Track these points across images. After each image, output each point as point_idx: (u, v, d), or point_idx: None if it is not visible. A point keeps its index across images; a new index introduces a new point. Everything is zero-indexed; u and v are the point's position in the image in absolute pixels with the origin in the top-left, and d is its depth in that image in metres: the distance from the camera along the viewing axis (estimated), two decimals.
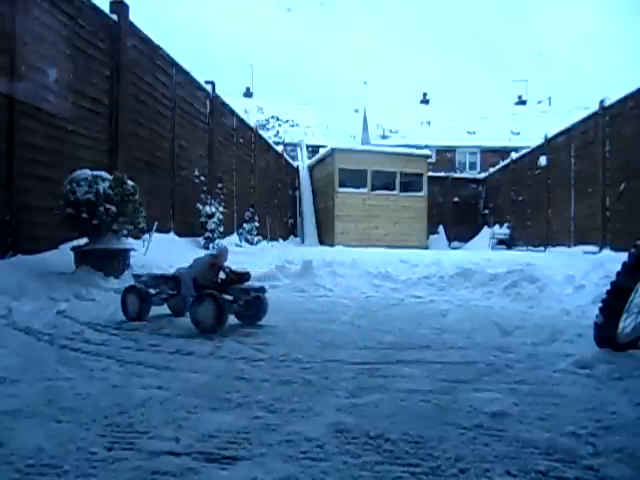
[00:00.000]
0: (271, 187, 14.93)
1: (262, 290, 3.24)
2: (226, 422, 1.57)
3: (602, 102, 10.20)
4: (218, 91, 9.87)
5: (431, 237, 17.83)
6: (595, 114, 10.51)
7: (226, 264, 3.25)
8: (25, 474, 1.23)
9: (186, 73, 8.50)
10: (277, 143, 19.43)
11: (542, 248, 12.71)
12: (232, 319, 3.16)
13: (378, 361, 2.39)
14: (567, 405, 1.80)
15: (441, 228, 18.78)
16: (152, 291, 3.29)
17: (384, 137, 25.32)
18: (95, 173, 4.63)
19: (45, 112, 5.02)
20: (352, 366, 2.29)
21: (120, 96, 6.32)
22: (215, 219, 8.49)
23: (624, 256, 2.48)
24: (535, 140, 14.77)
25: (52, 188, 4.80)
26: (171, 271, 3.64)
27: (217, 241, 8.56)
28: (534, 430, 1.55)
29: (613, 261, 3.49)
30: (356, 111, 35.19)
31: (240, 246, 10.28)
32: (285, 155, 17.37)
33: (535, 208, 13.89)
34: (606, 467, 1.31)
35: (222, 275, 3.17)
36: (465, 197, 19.29)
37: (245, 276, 3.23)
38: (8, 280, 3.74)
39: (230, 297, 3.01)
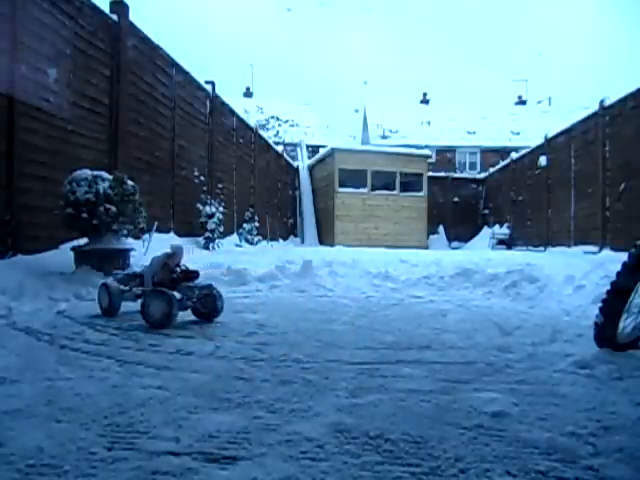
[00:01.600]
0: (271, 187, 14.93)
1: (210, 287, 3.33)
2: (226, 422, 1.57)
3: (602, 102, 10.19)
4: (218, 91, 9.87)
5: (431, 237, 17.83)
6: (595, 114, 10.50)
7: (182, 262, 3.37)
8: (25, 474, 1.23)
9: (186, 73, 8.50)
10: (277, 143, 19.43)
11: (542, 248, 12.71)
12: (188, 315, 3.32)
13: (378, 361, 2.39)
14: (567, 405, 1.80)
15: (441, 228, 18.78)
16: (124, 287, 3.41)
17: (384, 137, 25.32)
18: (95, 173, 4.63)
19: (45, 112, 5.02)
20: (352, 366, 2.29)
21: (120, 96, 6.32)
22: (215, 219, 8.49)
23: (624, 256, 2.48)
24: (535, 140, 14.77)
25: (52, 188, 4.80)
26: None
27: (217, 241, 8.57)
28: (534, 430, 1.55)
29: (613, 261, 3.50)
30: (356, 111, 35.24)
31: (240, 246, 10.28)
32: (285, 155, 17.37)
33: (535, 208, 13.89)
34: (606, 467, 1.31)
35: (175, 274, 3.29)
36: (465, 197, 19.29)
37: (193, 274, 3.33)
38: (8, 280, 3.74)
39: (178, 295, 3.12)
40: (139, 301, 3.24)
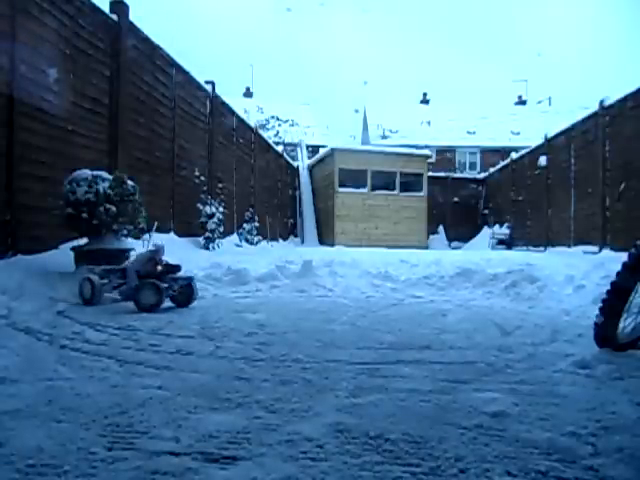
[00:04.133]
0: (271, 187, 14.92)
1: (190, 279, 4.04)
2: (226, 422, 1.57)
3: (602, 102, 10.19)
4: (218, 91, 9.87)
5: (431, 237, 17.83)
6: (595, 114, 10.50)
7: (164, 258, 3.98)
8: (25, 474, 1.23)
9: (186, 73, 8.50)
10: (277, 143, 19.43)
11: (542, 248, 12.71)
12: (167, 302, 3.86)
13: (378, 361, 2.39)
14: (567, 405, 1.80)
15: (441, 228, 18.78)
16: (103, 281, 3.90)
17: (384, 137, 25.33)
18: (95, 173, 4.63)
19: (45, 112, 5.01)
20: (352, 366, 2.29)
21: (120, 96, 6.32)
22: (215, 219, 8.48)
23: (624, 256, 2.48)
24: (535, 140, 14.76)
25: (52, 188, 4.79)
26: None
27: (217, 241, 8.56)
28: (534, 430, 1.55)
29: (613, 261, 3.49)
30: (356, 111, 35.24)
31: (240, 246, 10.28)
32: (285, 155, 17.37)
33: (535, 208, 13.89)
34: (606, 467, 1.31)
35: (159, 267, 3.88)
36: (465, 197, 19.29)
37: (176, 268, 4.00)
38: (8, 280, 3.74)
39: (165, 285, 3.77)
40: (115, 292, 3.92)
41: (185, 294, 4.00)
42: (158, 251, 3.96)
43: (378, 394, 1.88)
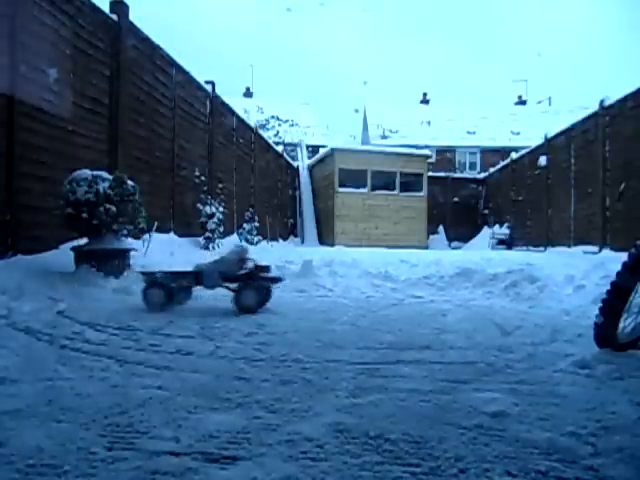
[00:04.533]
0: (271, 187, 14.92)
1: (279, 278, 4.08)
2: (226, 422, 1.57)
3: (602, 102, 10.19)
4: (218, 91, 9.86)
5: (431, 237, 17.83)
6: (595, 114, 10.49)
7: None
8: (25, 474, 1.23)
9: (186, 73, 8.50)
10: (277, 143, 19.42)
11: (542, 248, 12.71)
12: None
13: (378, 361, 2.39)
14: (567, 405, 1.80)
15: (441, 228, 18.77)
16: (172, 285, 3.75)
17: (384, 137, 25.33)
18: (95, 173, 4.63)
19: (45, 112, 5.01)
20: (352, 366, 2.29)
21: (120, 96, 6.31)
22: (215, 219, 8.48)
23: (624, 256, 2.48)
24: (535, 140, 14.76)
25: (52, 188, 4.79)
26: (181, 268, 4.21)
27: (217, 241, 8.55)
28: (534, 430, 1.55)
29: (613, 261, 3.49)
30: (356, 111, 35.23)
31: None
32: (285, 155, 17.36)
33: (535, 208, 13.89)
34: (606, 467, 1.31)
35: (249, 267, 3.81)
36: (465, 197, 19.29)
37: (266, 268, 4.01)
38: (8, 280, 3.74)
39: (267, 284, 3.85)
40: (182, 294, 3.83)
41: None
42: (244, 252, 3.96)
43: (378, 394, 1.88)
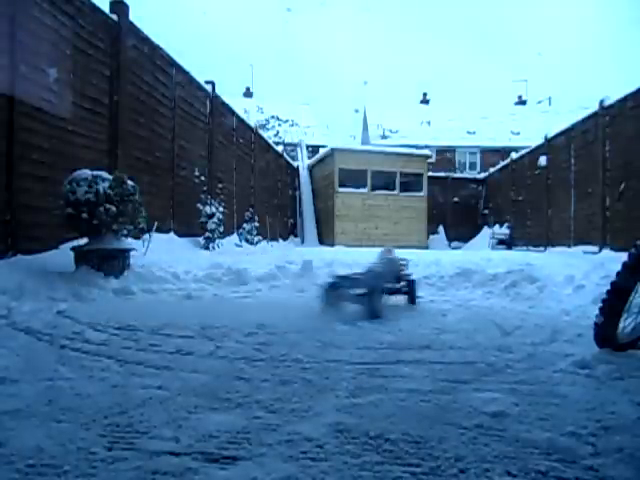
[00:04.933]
0: (271, 187, 14.92)
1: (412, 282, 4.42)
2: (226, 422, 1.57)
3: (602, 102, 10.18)
4: (218, 91, 9.87)
5: (431, 237, 17.82)
6: (595, 114, 10.49)
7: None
8: (25, 474, 1.23)
9: (186, 73, 8.50)
10: (277, 143, 19.41)
11: (542, 248, 12.70)
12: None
13: (378, 361, 2.39)
14: (567, 405, 1.80)
15: (441, 228, 18.77)
16: (356, 290, 3.85)
17: (384, 137, 25.30)
18: (95, 173, 4.63)
19: (45, 112, 5.01)
20: (352, 366, 2.29)
21: (120, 96, 6.32)
22: (215, 219, 8.48)
23: (624, 256, 2.48)
24: (535, 140, 14.75)
25: (52, 188, 4.80)
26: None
27: (217, 241, 8.56)
28: (534, 430, 1.55)
29: (613, 261, 3.49)
30: (356, 111, 35.15)
31: (240, 246, 10.28)
32: (285, 155, 17.36)
33: (535, 208, 13.88)
34: (606, 467, 1.31)
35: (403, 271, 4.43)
36: (465, 197, 19.28)
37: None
38: (8, 280, 3.74)
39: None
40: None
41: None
42: (392, 252, 4.57)
43: (378, 394, 1.88)
